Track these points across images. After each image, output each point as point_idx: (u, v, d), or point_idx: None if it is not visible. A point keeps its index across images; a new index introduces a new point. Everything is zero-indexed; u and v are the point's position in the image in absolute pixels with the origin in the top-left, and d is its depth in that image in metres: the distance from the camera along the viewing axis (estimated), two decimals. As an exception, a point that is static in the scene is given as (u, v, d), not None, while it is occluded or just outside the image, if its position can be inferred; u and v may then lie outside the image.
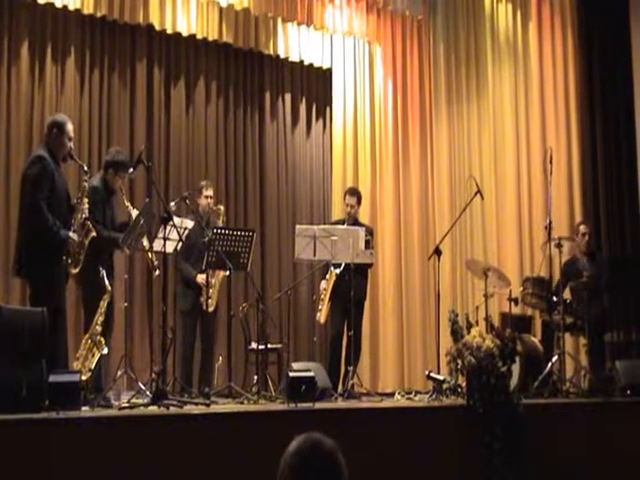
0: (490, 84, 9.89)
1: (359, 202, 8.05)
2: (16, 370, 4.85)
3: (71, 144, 5.97)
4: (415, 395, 6.96)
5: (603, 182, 8.85)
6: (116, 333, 8.15)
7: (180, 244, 6.82)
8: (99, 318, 6.68)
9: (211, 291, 7.34)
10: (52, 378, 4.89)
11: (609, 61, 8.98)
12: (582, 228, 8.04)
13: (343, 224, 7.78)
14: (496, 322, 6.96)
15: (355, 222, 7.90)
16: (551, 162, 7.58)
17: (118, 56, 9.33)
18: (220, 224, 7.53)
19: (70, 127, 5.94)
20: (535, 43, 9.46)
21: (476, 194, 7.79)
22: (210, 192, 7.73)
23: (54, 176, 5.73)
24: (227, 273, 7.28)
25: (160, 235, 6.39)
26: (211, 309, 7.34)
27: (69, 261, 5.82)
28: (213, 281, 7.37)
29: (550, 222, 7.42)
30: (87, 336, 6.59)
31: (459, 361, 5.84)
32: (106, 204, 6.38)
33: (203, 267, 7.26)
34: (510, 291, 7.77)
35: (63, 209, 5.82)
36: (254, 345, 7.75)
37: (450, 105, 10.40)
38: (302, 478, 2.24)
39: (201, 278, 7.36)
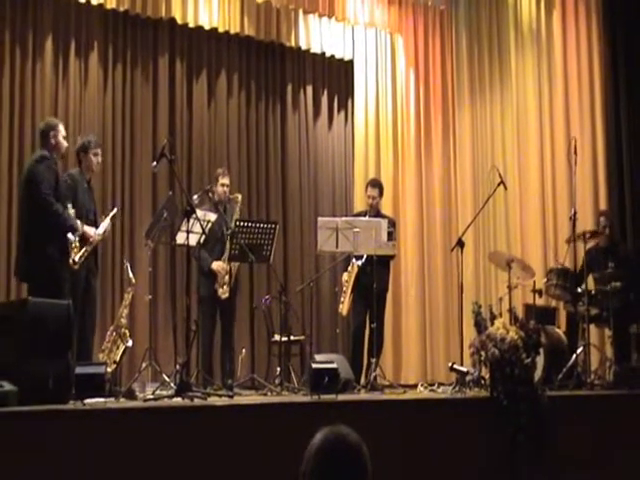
0: (513, 74, 9.83)
1: (381, 194, 8.05)
2: (43, 362, 4.91)
3: (66, 142, 6.17)
4: (438, 387, 6.95)
5: (628, 172, 8.77)
6: (140, 325, 8.32)
7: (203, 237, 6.84)
8: (123, 311, 6.76)
9: (227, 277, 7.35)
10: (78, 370, 4.94)
11: (634, 49, 8.88)
12: (602, 220, 7.93)
13: (365, 216, 7.78)
14: (520, 314, 6.92)
15: (377, 214, 7.89)
16: (575, 152, 7.52)
17: (140, 50, 9.36)
18: (238, 212, 7.55)
19: (61, 126, 6.17)
20: (559, 32, 9.38)
21: (499, 185, 7.75)
22: (226, 180, 7.72)
23: (57, 175, 5.87)
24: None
25: (183, 228, 6.42)
26: (224, 296, 7.32)
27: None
28: (228, 268, 7.37)
29: (575, 213, 7.36)
30: (112, 329, 6.67)
31: (482, 353, 5.82)
32: (81, 192, 6.29)
33: (224, 258, 7.30)
34: (534, 282, 7.73)
35: (66, 204, 5.95)
36: (277, 337, 7.75)
37: (473, 96, 10.35)
38: (327, 471, 2.24)
39: (216, 265, 7.39)
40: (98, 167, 6.60)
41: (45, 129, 6.09)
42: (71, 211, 5.98)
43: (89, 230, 6.17)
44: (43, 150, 6.02)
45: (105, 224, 6.33)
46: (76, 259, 5.84)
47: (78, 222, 6.00)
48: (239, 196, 7.71)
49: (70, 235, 5.78)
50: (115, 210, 6.75)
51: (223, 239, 7.43)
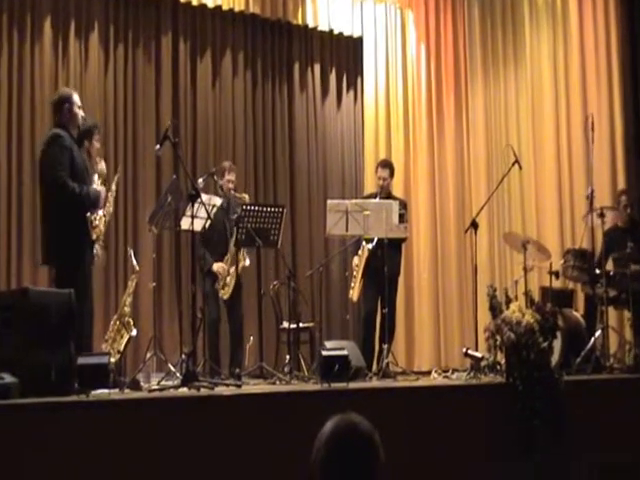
0: (528, 48, 9.76)
1: (392, 175, 8.03)
2: (44, 353, 4.91)
3: (82, 112, 6.07)
4: (452, 373, 6.93)
5: (647, 149, 8.72)
6: (145, 314, 8.32)
7: (209, 222, 6.83)
8: (127, 299, 6.76)
9: (228, 279, 7.36)
10: (81, 360, 4.94)
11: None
12: (623, 199, 7.89)
13: (376, 198, 7.77)
14: (536, 296, 6.88)
15: (388, 195, 7.87)
16: (592, 129, 7.47)
17: (142, 30, 9.33)
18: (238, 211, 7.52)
19: (76, 96, 6.06)
20: (575, 4, 9.30)
21: (514, 164, 7.73)
22: (232, 176, 7.68)
23: (72, 152, 5.81)
24: (247, 263, 7.30)
25: (188, 213, 6.41)
26: (225, 297, 7.36)
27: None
28: (232, 270, 7.36)
29: (592, 191, 7.32)
30: (115, 318, 6.67)
31: (498, 337, 5.83)
32: (77, 157, 6.01)
33: (228, 259, 7.30)
34: (550, 264, 7.71)
35: (86, 183, 5.90)
36: (285, 324, 7.77)
37: (486, 71, 10.28)
38: (338, 460, 2.24)
39: (218, 267, 7.40)
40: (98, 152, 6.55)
41: (58, 101, 6.01)
42: (95, 185, 5.94)
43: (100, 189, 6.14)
44: (55, 128, 5.96)
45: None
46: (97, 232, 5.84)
47: (102, 192, 5.94)
48: (246, 196, 7.64)
49: (88, 214, 5.76)
50: (118, 174, 6.69)
51: (226, 237, 7.44)
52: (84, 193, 5.78)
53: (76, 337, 5.21)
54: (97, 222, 5.83)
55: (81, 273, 5.73)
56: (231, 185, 7.66)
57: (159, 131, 8.83)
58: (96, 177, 6.05)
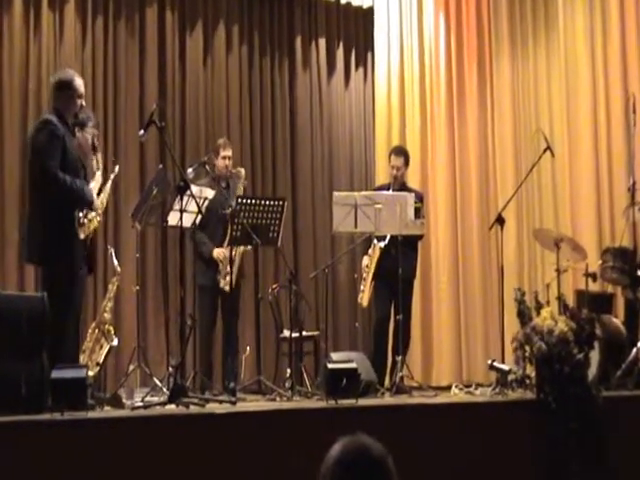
0: (561, 19, 9.71)
1: (407, 163, 8.04)
2: (14, 365, 4.92)
3: (82, 101, 6.06)
4: (476, 389, 6.95)
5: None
6: (127, 321, 8.34)
7: (199, 217, 6.84)
8: (107, 304, 6.76)
9: (228, 267, 7.34)
10: (55, 374, 4.95)
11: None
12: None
13: (388, 189, 7.78)
14: (570, 301, 6.90)
15: (402, 187, 7.88)
16: (634, 111, 7.44)
17: (125, 0, 9.31)
18: (241, 189, 7.55)
19: (79, 82, 6.04)
20: (614, -31, 9.27)
21: (545, 150, 7.72)
22: (228, 152, 7.75)
23: (65, 141, 5.81)
24: (248, 247, 7.31)
25: (176, 207, 6.41)
26: (227, 288, 7.33)
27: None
28: (234, 255, 7.37)
29: (634, 183, 7.30)
30: (94, 325, 6.68)
31: (527, 348, 5.85)
32: (70, 147, 5.97)
33: (226, 243, 7.30)
34: (587, 265, 7.68)
35: (80, 175, 5.89)
36: (286, 333, 7.77)
37: (513, 45, 10.24)
38: (347, 488, 2.24)
39: (218, 252, 7.42)
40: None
41: (56, 84, 5.99)
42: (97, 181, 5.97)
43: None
44: (47, 113, 5.98)
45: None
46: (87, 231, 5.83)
47: (94, 191, 5.95)
48: (242, 170, 7.72)
49: (77, 212, 5.75)
50: (117, 169, 6.70)
51: (225, 220, 7.42)
52: (76, 187, 5.76)
53: (55, 347, 5.23)
54: (85, 221, 5.81)
55: (68, 274, 5.72)
56: (228, 162, 7.72)
57: (143, 115, 8.83)
58: (98, 174, 6.04)
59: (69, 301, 5.61)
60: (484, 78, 10.43)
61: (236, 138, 9.65)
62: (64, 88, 5.96)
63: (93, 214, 5.87)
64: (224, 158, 7.69)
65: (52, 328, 5.30)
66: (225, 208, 7.30)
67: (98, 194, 6.05)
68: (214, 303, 7.51)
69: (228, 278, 7.34)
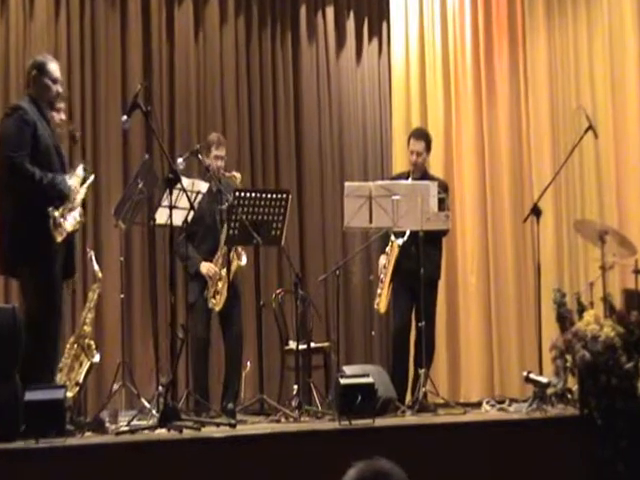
0: (603, -17, 9.72)
1: (428, 148, 8.03)
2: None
3: (58, 87, 6.09)
4: (510, 404, 6.94)
5: None
6: (110, 334, 8.33)
7: (192, 214, 6.84)
8: (87, 315, 6.77)
9: (220, 285, 7.36)
10: (29, 396, 4.95)
11: None
12: None
13: (408, 178, 7.77)
14: (618, 302, 6.86)
15: (424, 175, 7.89)
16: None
17: (103, -33, 9.36)
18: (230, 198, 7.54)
19: (53, 66, 6.08)
20: None
21: (587, 131, 7.74)
22: (222, 152, 7.70)
23: (37, 129, 5.83)
24: (244, 262, 7.30)
25: (165, 203, 6.41)
26: (217, 308, 7.37)
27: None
28: (224, 272, 7.36)
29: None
30: (72, 340, 6.68)
31: (568, 357, 5.87)
32: (43, 136, 5.96)
33: (219, 258, 7.30)
34: (636, 261, 7.70)
35: (54, 168, 5.90)
36: (292, 344, 7.77)
37: (549, 14, 10.22)
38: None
39: (207, 268, 7.41)
40: (59, 125, 6.55)
41: (29, 68, 6.07)
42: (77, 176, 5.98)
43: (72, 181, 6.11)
44: (20, 100, 6.04)
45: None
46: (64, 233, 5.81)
47: (70, 183, 5.94)
48: (238, 176, 7.65)
49: (51, 209, 5.75)
50: (92, 177, 6.72)
51: (216, 229, 7.46)
52: (47, 181, 5.76)
53: (28, 366, 5.23)
54: (62, 221, 5.80)
55: (43, 284, 5.72)
56: (220, 163, 7.68)
57: (126, 98, 8.83)
58: (80, 169, 6.05)
59: (45, 313, 5.60)
60: (516, 51, 10.41)
61: (232, 123, 9.65)
62: (37, 72, 6.00)
63: (75, 213, 5.86)
64: (216, 158, 7.63)
65: (25, 344, 5.30)
66: (217, 216, 7.31)
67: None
68: (207, 323, 7.50)
69: (219, 297, 7.36)
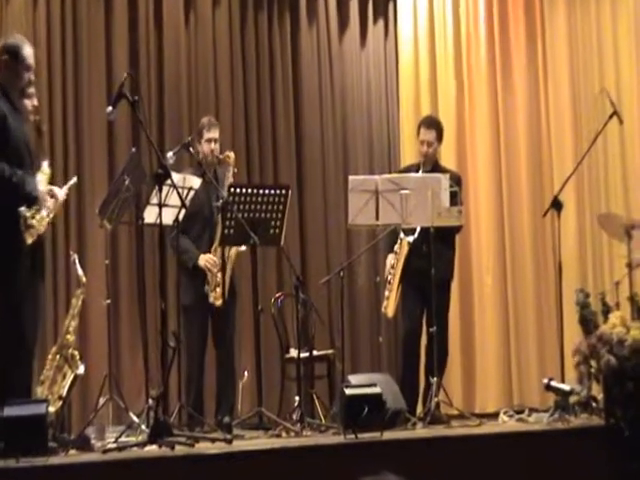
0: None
1: (440, 138, 8.05)
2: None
3: (30, 75, 6.08)
4: (529, 415, 6.94)
5: None
6: (96, 344, 8.32)
7: (183, 212, 6.84)
8: (70, 323, 6.76)
9: (219, 276, 7.36)
10: (7, 411, 4.96)
11: None
12: None
13: (417, 171, 7.79)
14: (645, 304, 6.88)
15: (435, 167, 7.90)
16: None
17: (85, -54, 9.36)
18: (230, 177, 7.54)
19: (28, 52, 6.07)
20: None
21: (612, 116, 7.71)
22: (214, 134, 7.73)
23: (6, 121, 5.83)
24: (243, 248, 7.31)
25: (154, 200, 6.41)
26: (219, 302, 7.36)
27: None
28: (226, 263, 7.38)
29: None
30: (55, 350, 6.68)
31: (593, 362, 5.86)
32: (14, 129, 5.96)
33: (216, 244, 7.30)
34: (665, 257, 7.69)
35: (25, 163, 5.90)
36: (293, 353, 7.78)
37: (570, -11, 10.25)
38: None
39: (205, 260, 7.42)
40: (32, 112, 6.54)
41: (3, 52, 6.03)
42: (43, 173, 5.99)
43: (56, 190, 6.13)
44: None
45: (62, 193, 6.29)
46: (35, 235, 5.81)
47: (40, 184, 5.95)
48: (231, 155, 7.69)
49: (23, 209, 5.75)
50: (75, 179, 6.75)
51: (213, 221, 7.46)
52: (16, 179, 5.76)
53: (5, 378, 5.23)
54: (34, 222, 5.80)
55: (14, 290, 5.72)
56: (214, 146, 7.70)
57: (111, 87, 8.81)
58: (45, 166, 6.07)
59: (20, 321, 5.59)
60: (534, 32, 10.41)
61: (226, 113, 9.62)
62: (9, 57, 5.97)
63: (43, 213, 5.86)
64: (209, 141, 7.66)
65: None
66: (214, 206, 7.31)
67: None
68: (204, 326, 7.52)
69: (219, 290, 7.36)
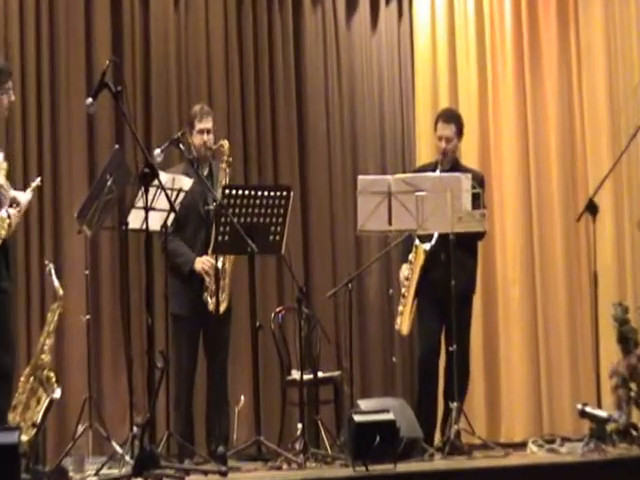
0: None
1: (460, 133, 8.07)
2: None
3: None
4: (561, 445, 6.93)
5: None
6: (74, 363, 8.31)
7: (172, 216, 6.85)
8: (45, 341, 6.75)
9: (220, 282, 7.34)
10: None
11: None
12: None
13: (435, 170, 7.80)
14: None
15: (455, 166, 7.93)
16: None
17: None
18: (226, 171, 7.54)
19: None
20: None
21: (652, 111, 7.73)
22: (207, 124, 7.74)
23: None
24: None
25: (140, 204, 6.41)
26: (221, 308, 7.32)
27: None
28: (226, 266, 7.41)
29: None
30: (28, 371, 6.67)
31: (632, 385, 5.85)
32: None
33: (210, 250, 7.29)
34: None
35: None
36: (295, 374, 7.77)
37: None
38: None
39: (202, 263, 7.42)
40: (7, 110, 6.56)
41: None
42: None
43: (18, 196, 6.16)
44: None
45: (26, 198, 6.30)
46: None
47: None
48: (225, 144, 7.68)
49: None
50: (38, 180, 6.75)
51: (209, 219, 7.45)
52: None
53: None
54: None
55: None
56: (207, 138, 7.71)
57: (92, 76, 8.84)
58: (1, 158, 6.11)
59: None
60: (566, 16, 10.41)
61: (221, 105, 9.59)
62: None
63: (3, 214, 5.87)
64: (201, 132, 7.67)
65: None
66: (210, 203, 7.31)
67: None
68: (195, 339, 7.53)
69: (223, 295, 7.37)
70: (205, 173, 7.67)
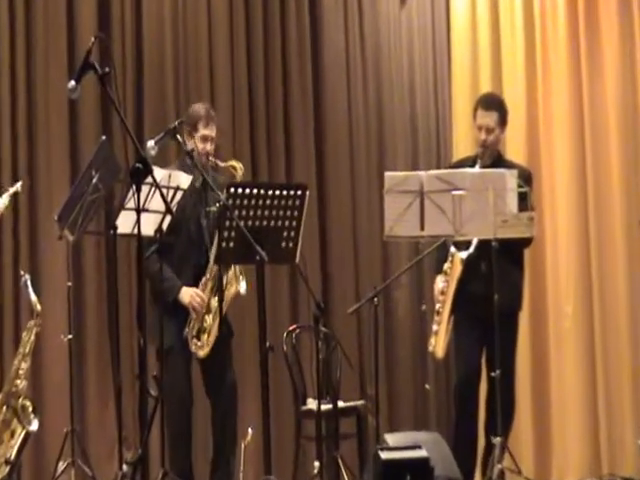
0: None
1: (503, 122, 8.11)
2: None
3: None
4: (624, 486, 6.92)
5: None
6: (54, 392, 8.32)
7: (169, 219, 6.83)
8: (21, 365, 6.75)
9: (209, 320, 7.38)
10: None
11: None
12: None
13: (474, 166, 7.81)
14: None
15: (497, 161, 7.96)
16: None
17: None
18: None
19: None
20: None
21: None
22: (212, 131, 7.75)
23: None
24: (242, 290, 7.32)
25: (130, 204, 6.41)
26: (202, 353, 7.40)
27: None
28: (213, 302, 7.42)
29: None
30: (0, 399, 6.67)
31: None
32: None
33: (211, 261, 7.29)
34: None
35: None
36: (312, 403, 7.78)
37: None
38: None
39: (190, 297, 7.43)
40: None
41: None
42: None
43: None
44: None
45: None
46: None
47: None
48: (239, 166, 7.65)
49: None
50: (18, 185, 6.77)
51: (202, 241, 7.54)
52: None
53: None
54: None
55: None
56: (210, 147, 7.71)
57: (74, 57, 8.87)
58: None
59: None
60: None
61: (225, 93, 9.64)
62: None
63: None
64: (204, 139, 7.66)
65: None
66: (204, 221, 7.39)
67: None
68: (188, 370, 7.57)
69: (205, 338, 7.38)
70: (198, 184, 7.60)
